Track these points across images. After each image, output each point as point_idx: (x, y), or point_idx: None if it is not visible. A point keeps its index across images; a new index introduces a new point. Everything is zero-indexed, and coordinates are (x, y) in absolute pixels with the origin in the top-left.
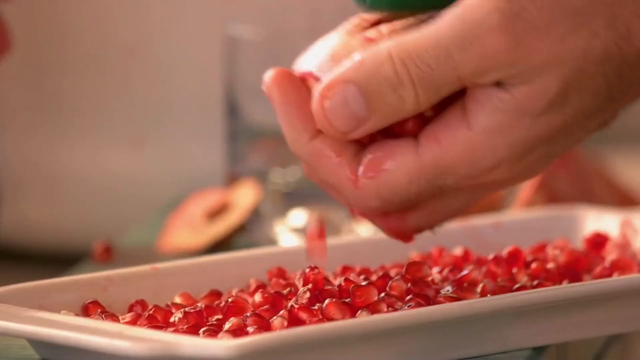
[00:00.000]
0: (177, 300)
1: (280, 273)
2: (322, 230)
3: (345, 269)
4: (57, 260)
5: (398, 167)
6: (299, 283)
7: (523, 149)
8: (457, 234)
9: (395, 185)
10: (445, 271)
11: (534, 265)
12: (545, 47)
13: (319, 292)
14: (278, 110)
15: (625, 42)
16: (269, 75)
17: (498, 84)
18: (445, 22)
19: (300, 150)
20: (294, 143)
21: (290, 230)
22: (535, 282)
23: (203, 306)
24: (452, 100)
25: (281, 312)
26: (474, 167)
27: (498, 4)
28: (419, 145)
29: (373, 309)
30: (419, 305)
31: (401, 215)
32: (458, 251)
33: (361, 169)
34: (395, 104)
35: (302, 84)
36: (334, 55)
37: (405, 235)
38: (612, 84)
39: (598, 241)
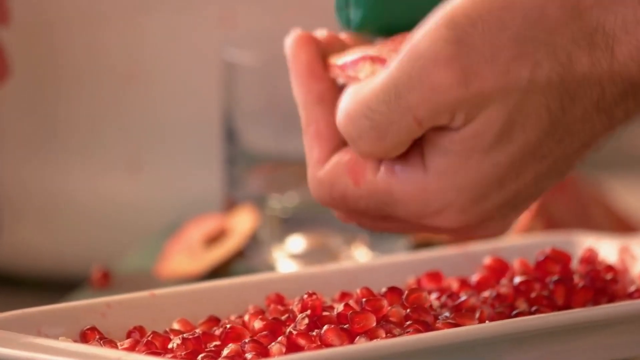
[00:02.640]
0: (176, 326)
1: (279, 299)
2: None
3: (344, 295)
4: (55, 286)
5: (355, 180)
6: (297, 309)
7: (473, 194)
8: (454, 260)
9: (347, 193)
10: (444, 297)
11: (533, 295)
12: (491, 75)
13: (317, 318)
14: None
15: (566, 70)
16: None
17: (450, 123)
18: (394, 63)
19: (299, 109)
20: (297, 99)
21: (288, 256)
22: (534, 308)
23: (201, 332)
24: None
25: (279, 339)
26: (423, 206)
27: (441, 33)
28: (378, 170)
29: (371, 335)
30: (417, 331)
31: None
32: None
33: (326, 165)
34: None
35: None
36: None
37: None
38: (557, 119)
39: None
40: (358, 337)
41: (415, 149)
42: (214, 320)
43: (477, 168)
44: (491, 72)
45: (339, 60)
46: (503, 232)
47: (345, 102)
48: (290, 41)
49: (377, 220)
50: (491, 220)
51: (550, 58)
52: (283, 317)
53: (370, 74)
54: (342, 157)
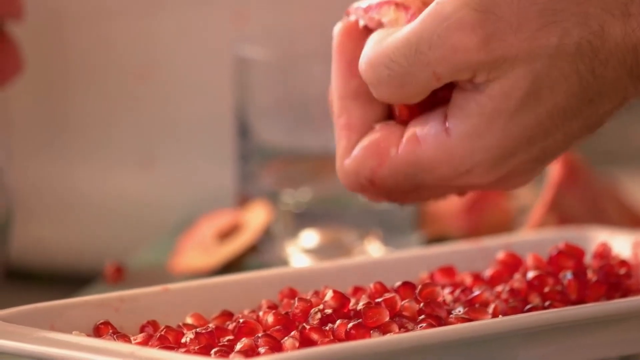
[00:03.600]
0: (189, 320)
1: (292, 294)
2: None
3: (357, 290)
4: (69, 280)
5: (380, 161)
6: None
7: (501, 152)
8: (467, 254)
9: (374, 176)
10: (457, 292)
11: (546, 290)
12: (516, 42)
13: (331, 312)
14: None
15: (597, 39)
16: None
17: (474, 85)
18: (417, 20)
19: (333, 98)
20: (333, 88)
21: (301, 251)
22: (547, 303)
23: (214, 327)
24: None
25: (292, 333)
26: (451, 170)
27: (468, 0)
28: (401, 143)
29: (385, 329)
30: (430, 326)
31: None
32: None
33: (353, 152)
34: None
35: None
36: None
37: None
38: (587, 83)
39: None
40: (371, 331)
41: (436, 115)
42: (227, 315)
43: (503, 129)
44: (516, 39)
45: (363, 2)
46: (528, 182)
47: (368, 49)
48: (337, 29)
49: (408, 193)
50: (519, 174)
51: (580, 27)
52: (297, 311)
53: (393, 20)
54: (364, 143)
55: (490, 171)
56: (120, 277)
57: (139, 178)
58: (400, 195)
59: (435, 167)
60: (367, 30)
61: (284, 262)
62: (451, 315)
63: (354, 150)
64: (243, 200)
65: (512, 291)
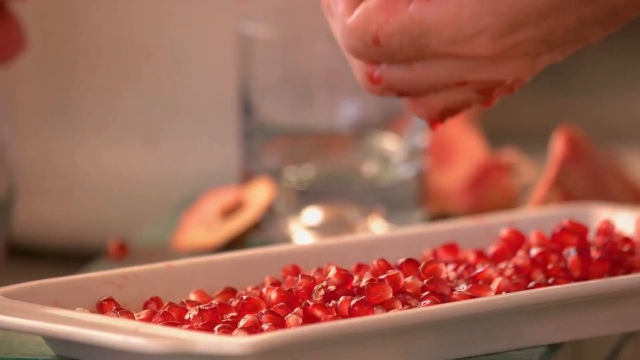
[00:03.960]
0: (192, 297)
1: (295, 271)
2: None
3: (360, 267)
4: (72, 257)
5: (386, 17)
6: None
7: (509, 20)
8: (470, 231)
9: (380, 33)
10: (461, 269)
11: (550, 267)
12: None
13: (334, 289)
14: None
15: None
16: None
17: None
18: None
19: None
20: None
21: (304, 228)
22: (550, 280)
23: (218, 303)
24: None
25: (296, 310)
26: (457, 31)
27: None
28: (410, 2)
29: (388, 306)
30: (434, 302)
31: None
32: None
33: (355, 12)
34: None
35: None
36: None
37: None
38: None
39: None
40: (375, 308)
41: None
42: (231, 292)
43: None
44: None
45: None
46: (534, 71)
47: None
48: None
49: (412, 62)
50: (525, 55)
51: None
52: (300, 288)
53: None
54: (369, 1)
55: (495, 40)
56: (123, 254)
57: (142, 155)
58: (404, 67)
59: (441, 29)
60: None
61: (287, 239)
62: (454, 292)
63: (358, 7)
64: (246, 177)
65: (516, 268)
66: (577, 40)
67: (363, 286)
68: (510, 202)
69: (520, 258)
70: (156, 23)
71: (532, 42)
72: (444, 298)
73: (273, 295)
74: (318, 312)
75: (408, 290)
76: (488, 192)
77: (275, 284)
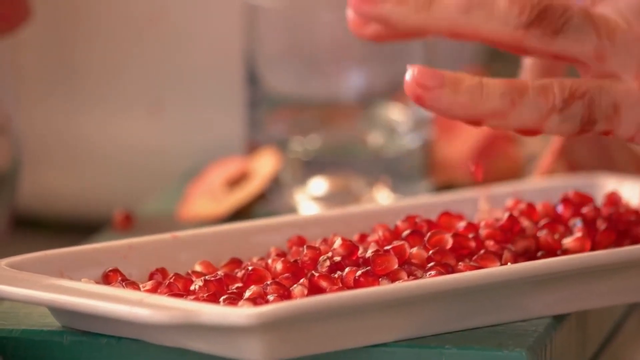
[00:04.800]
0: (198, 268)
1: (301, 241)
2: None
3: (363, 237)
4: (78, 228)
5: None
6: (323, 248)
7: None
8: (476, 202)
9: None
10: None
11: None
12: None
13: (340, 260)
14: None
15: None
16: None
17: None
18: None
19: None
20: None
21: (310, 199)
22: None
23: (223, 274)
24: None
25: (301, 281)
26: None
27: None
28: None
29: (393, 277)
30: (439, 273)
31: None
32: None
33: None
34: None
35: None
36: None
37: None
38: None
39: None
40: (380, 279)
41: None
42: (236, 263)
43: None
44: None
45: None
46: None
47: None
48: None
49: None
50: None
51: None
52: (306, 259)
53: None
54: None
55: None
56: (129, 224)
57: (147, 125)
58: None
59: None
60: None
61: (292, 209)
62: (460, 263)
63: None
64: (252, 147)
65: (522, 238)
66: None
67: (368, 257)
68: (516, 172)
69: (527, 228)
70: None
71: None
72: (449, 269)
73: (278, 266)
74: (323, 283)
75: (413, 261)
76: (494, 163)
77: (281, 254)
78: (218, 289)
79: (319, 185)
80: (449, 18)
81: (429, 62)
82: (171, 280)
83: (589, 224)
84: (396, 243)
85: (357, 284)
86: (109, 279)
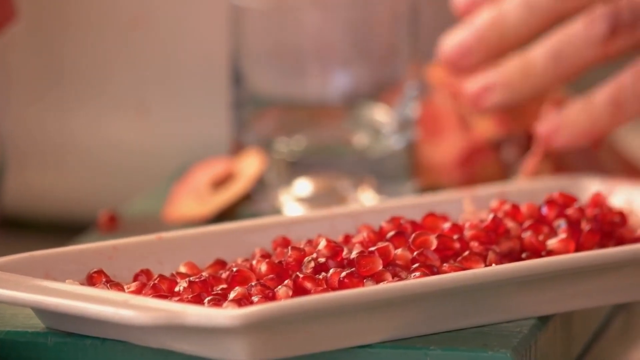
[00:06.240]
0: (182, 269)
1: (285, 242)
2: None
3: (347, 238)
4: (62, 229)
5: None
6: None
7: None
8: (461, 203)
9: None
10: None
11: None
12: None
13: (324, 261)
14: None
15: None
16: None
17: None
18: None
19: None
20: None
21: (295, 200)
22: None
23: (208, 275)
24: None
25: (286, 282)
26: None
27: None
28: None
29: (378, 278)
30: (424, 274)
31: None
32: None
33: None
34: None
35: None
36: None
37: None
38: None
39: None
40: (365, 280)
41: None
42: (221, 264)
43: None
44: None
45: None
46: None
47: None
48: None
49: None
50: None
51: None
52: (290, 260)
53: None
54: None
55: None
56: (113, 225)
57: (133, 126)
58: None
59: None
60: None
61: (277, 210)
62: (445, 264)
63: None
64: (237, 148)
65: (507, 240)
66: None
67: (353, 258)
68: (501, 173)
69: (512, 229)
70: None
71: None
72: (434, 270)
73: (263, 267)
74: (308, 284)
75: (398, 262)
76: (479, 167)
77: (265, 255)
78: (202, 290)
79: (304, 186)
80: (549, 81)
81: (416, 61)
82: (156, 281)
83: (574, 225)
84: (381, 244)
85: (341, 285)
86: (94, 280)
